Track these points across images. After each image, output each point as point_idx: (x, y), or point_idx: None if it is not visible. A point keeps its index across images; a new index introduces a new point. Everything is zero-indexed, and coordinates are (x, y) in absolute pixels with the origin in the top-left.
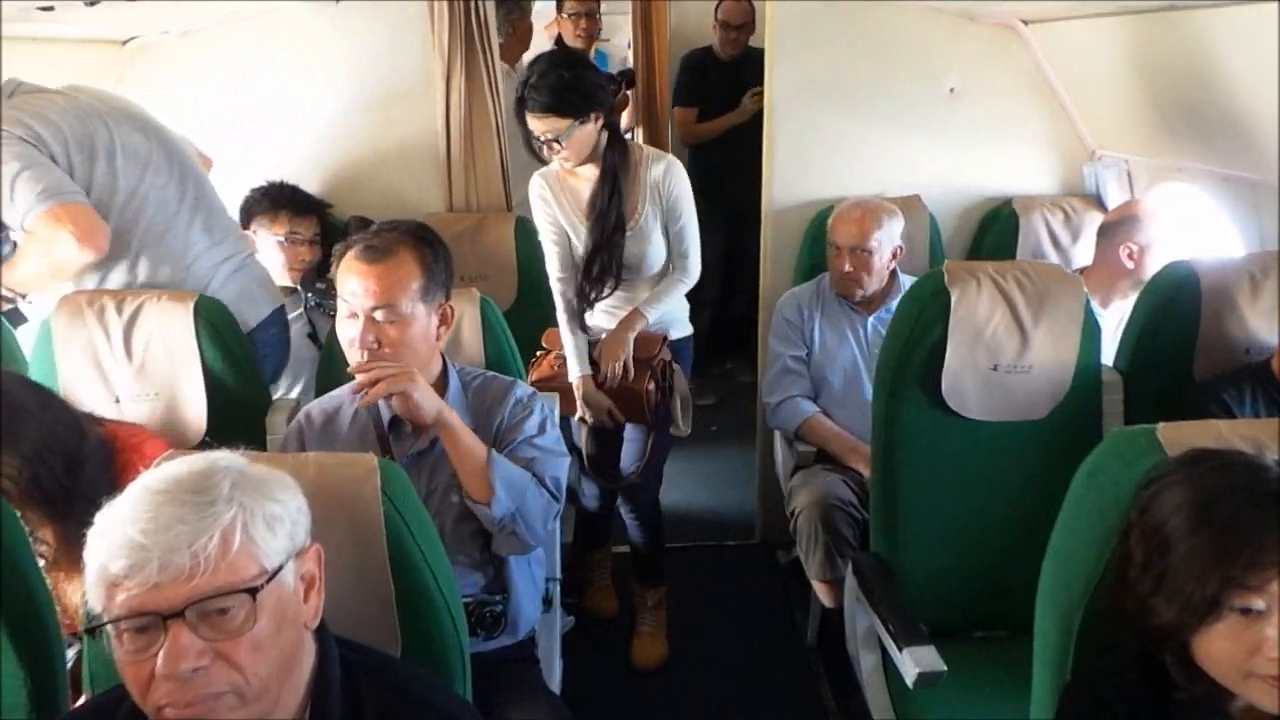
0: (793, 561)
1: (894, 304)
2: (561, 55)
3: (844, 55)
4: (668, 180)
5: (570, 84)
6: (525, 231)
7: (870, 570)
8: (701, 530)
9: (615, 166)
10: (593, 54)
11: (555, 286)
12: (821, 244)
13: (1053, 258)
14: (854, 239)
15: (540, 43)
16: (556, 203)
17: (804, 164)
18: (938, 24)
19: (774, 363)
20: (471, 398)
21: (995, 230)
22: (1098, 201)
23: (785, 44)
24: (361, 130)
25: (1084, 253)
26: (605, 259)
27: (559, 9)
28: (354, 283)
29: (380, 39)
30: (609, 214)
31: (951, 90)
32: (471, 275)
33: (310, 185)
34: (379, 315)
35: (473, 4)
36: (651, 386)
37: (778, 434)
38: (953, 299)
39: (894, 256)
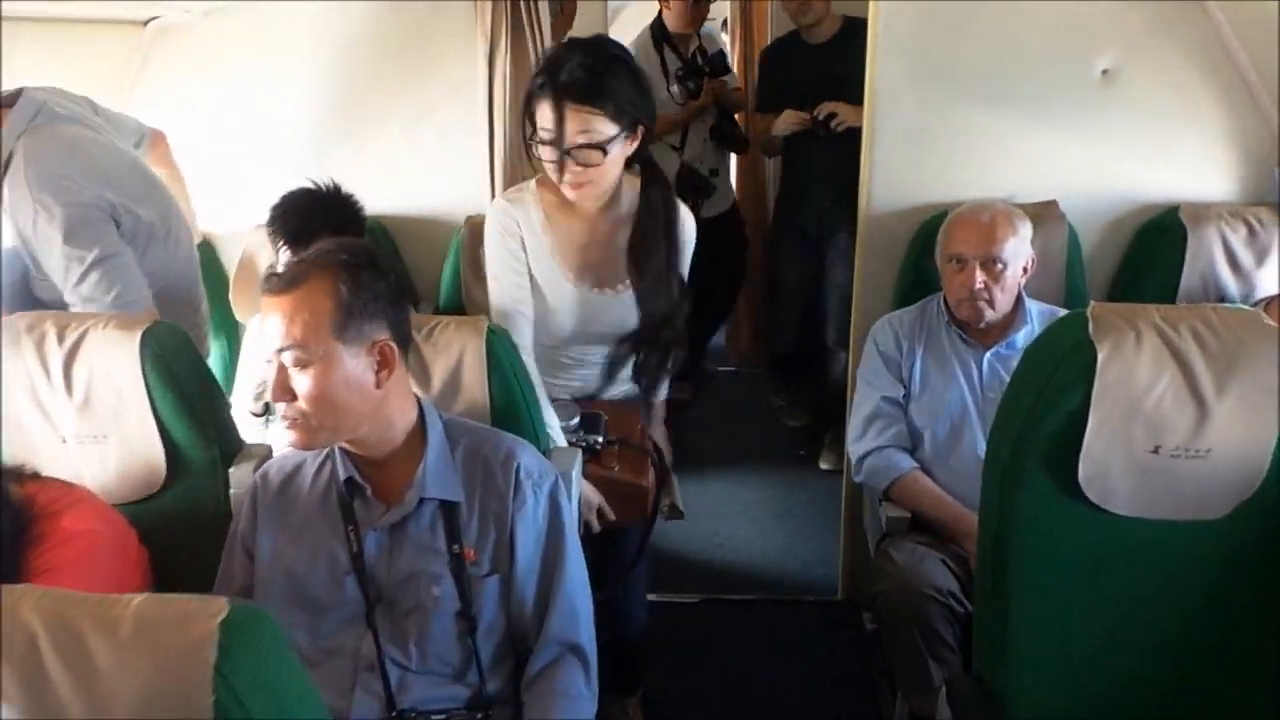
0: None
1: (1018, 338)
2: (608, 43)
3: (966, 28)
4: (685, 231)
5: (627, 76)
6: None
7: (970, 699)
8: (771, 581)
9: (661, 209)
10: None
11: (524, 358)
12: (929, 259)
13: (1230, 284)
14: (983, 247)
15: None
16: (538, 245)
17: (911, 161)
18: None
19: (863, 403)
20: (462, 462)
21: (1155, 246)
22: None
23: (892, 14)
24: (398, 118)
25: (1273, 279)
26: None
27: None
28: (266, 319)
29: (419, 15)
30: (661, 277)
31: (1104, 73)
32: None
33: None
34: (286, 359)
35: None
36: (652, 476)
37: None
38: (1100, 356)
39: (1024, 272)
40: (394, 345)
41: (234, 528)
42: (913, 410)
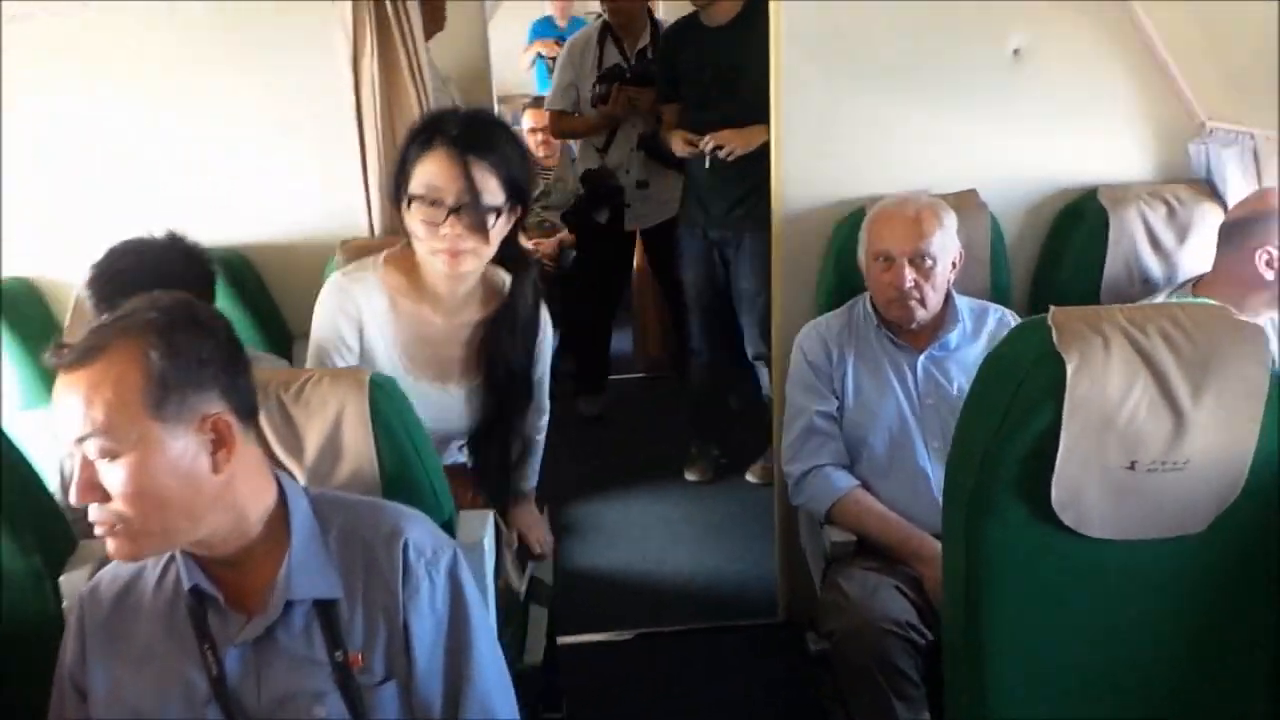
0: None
1: (950, 338)
2: (490, 112)
3: (871, 11)
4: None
5: (515, 144)
6: None
7: None
8: (707, 607)
9: (527, 304)
10: (566, 23)
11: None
12: (850, 259)
13: (1153, 266)
14: (910, 243)
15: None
16: (379, 333)
17: (822, 155)
18: None
19: (794, 420)
20: (338, 548)
21: (1075, 231)
22: (1210, 189)
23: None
24: (254, 134)
25: (1195, 257)
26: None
27: None
28: (58, 403)
29: (269, 16)
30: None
31: (1016, 52)
32: None
33: (179, 212)
34: (90, 449)
35: None
36: None
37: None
38: (1069, 369)
39: (953, 268)
40: (232, 416)
41: (60, 659)
42: (847, 422)
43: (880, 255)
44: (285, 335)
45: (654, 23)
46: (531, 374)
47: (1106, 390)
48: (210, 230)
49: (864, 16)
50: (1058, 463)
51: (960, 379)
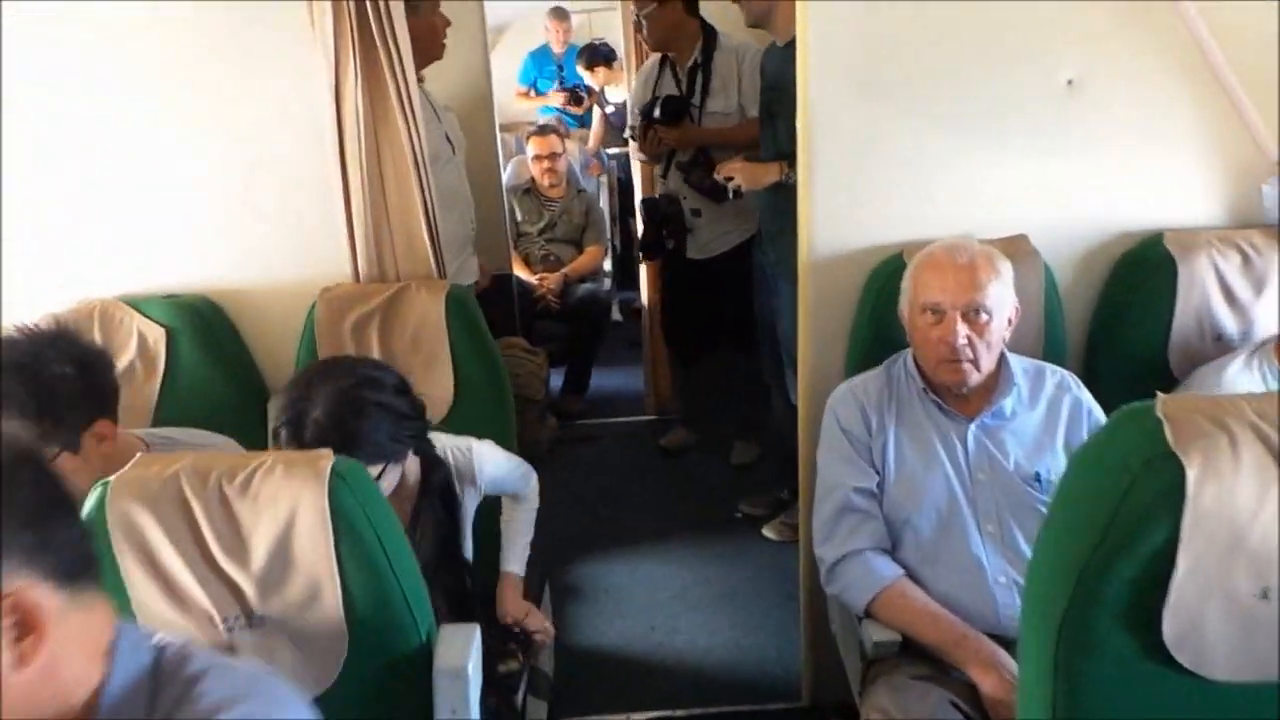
0: None
1: (1006, 404)
2: (356, 372)
3: (910, 38)
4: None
5: (380, 412)
6: (461, 307)
7: None
8: (722, 687)
9: (435, 502)
10: (563, 50)
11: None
12: (887, 309)
13: (1227, 321)
14: (963, 295)
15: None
16: None
17: (856, 195)
18: None
19: (827, 496)
20: None
21: (1139, 281)
22: None
23: (826, 24)
24: (227, 171)
25: (1273, 312)
26: None
27: None
28: None
29: (241, 38)
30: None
31: (1070, 83)
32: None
33: (146, 254)
34: None
35: None
36: None
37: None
38: (1190, 476)
39: (1009, 324)
40: (44, 586)
41: None
42: (889, 501)
43: (928, 308)
44: (259, 390)
45: (707, 34)
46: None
47: (1236, 501)
48: (178, 274)
49: (900, 41)
50: (1172, 589)
51: (1017, 452)
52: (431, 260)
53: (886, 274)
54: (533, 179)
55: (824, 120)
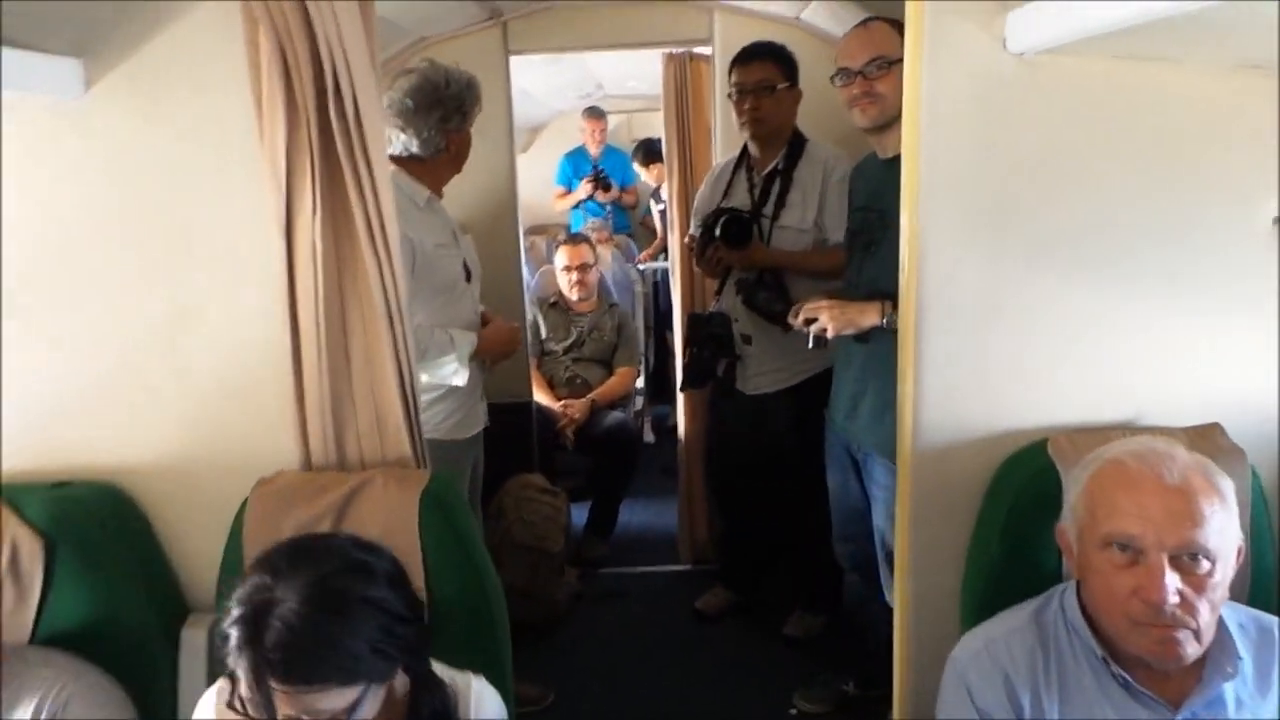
0: None
1: (1227, 689)
2: (337, 562)
3: (1051, 158)
4: None
5: (366, 614)
6: (442, 506)
7: None
8: None
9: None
10: (599, 151)
11: None
12: (1025, 523)
13: None
14: (1178, 531)
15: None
16: None
17: (983, 359)
18: (1252, 101)
19: None
20: None
21: None
22: None
23: (940, 137)
24: (148, 330)
25: None
26: None
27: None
28: None
29: (162, 153)
30: None
31: (1277, 221)
32: None
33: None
34: None
35: (332, 78)
36: None
37: None
38: None
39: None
40: None
41: None
42: None
43: (1117, 542)
44: (177, 608)
45: (795, 141)
46: None
47: None
48: (76, 450)
49: (1038, 167)
50: None
51: None
52: (407, 442)
53: (1025, 472)
54: (560, 291)
55: (937, 260)
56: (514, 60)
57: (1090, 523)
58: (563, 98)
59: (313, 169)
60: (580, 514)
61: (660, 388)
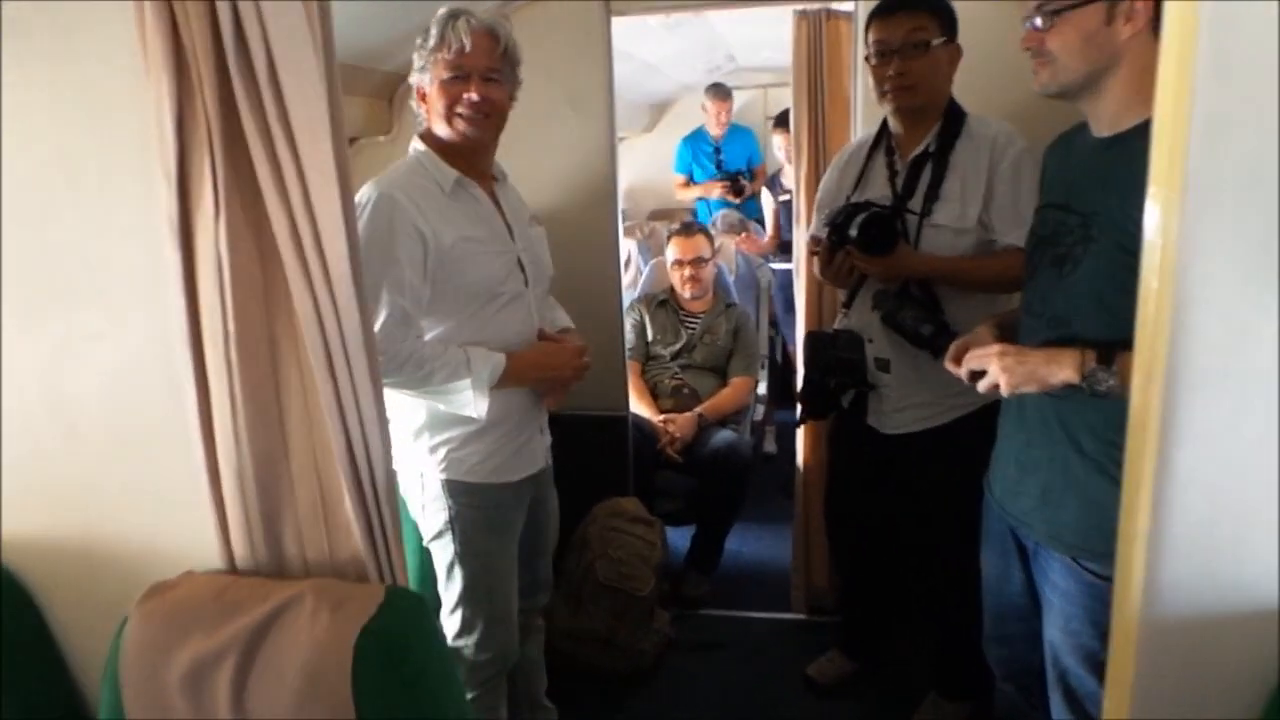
0: None
1: None
2: None
3: None
4: None
5: None
6: (387, 651)
7: None
8: None
9: None
10: (722, 132)
11: None
12: None
13: None
14: None
15: None
16: None
17: (1268, 480)
18: None
19: None
20: None
21: None
22: None
23: (1234, 100)
24: (20, 366)
25: None
26: None
27: None
28: None
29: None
30: None
31: None
32: None
33: None
34: None
35: (231, 19)
36: None
37: None
38: None
39: None
40: None
41: None
42: None
43: None
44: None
45: (951, 112)
46: None
47: None
48: None
49: None
50: None
51: None
52: (359, 537)
53: None
54: (671, 288)
55: (1213, 310)
56: (629, 26)
57: None
58: (690, 70)
59: (211, 153)
60: (681, 538)
61: (788, 391)
